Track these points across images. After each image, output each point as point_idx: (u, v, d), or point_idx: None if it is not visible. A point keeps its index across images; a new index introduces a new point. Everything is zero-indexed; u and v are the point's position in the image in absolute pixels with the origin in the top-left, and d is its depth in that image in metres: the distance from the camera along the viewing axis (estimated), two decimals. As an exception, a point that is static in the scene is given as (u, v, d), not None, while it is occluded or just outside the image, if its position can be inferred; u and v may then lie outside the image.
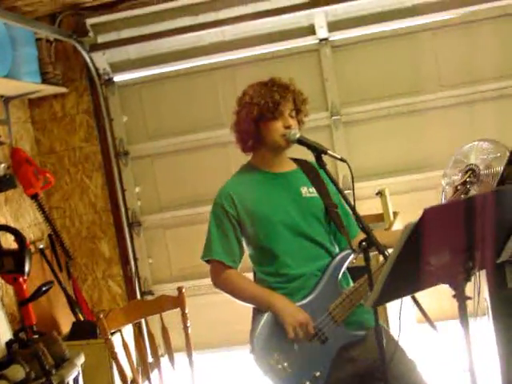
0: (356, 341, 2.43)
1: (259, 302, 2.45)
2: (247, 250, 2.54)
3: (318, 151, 2.34)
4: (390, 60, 4.28)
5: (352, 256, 2.50)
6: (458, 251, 1.82)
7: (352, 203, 2.29)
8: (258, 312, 2.46)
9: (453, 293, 1.88)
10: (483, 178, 3.28)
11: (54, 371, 2.72)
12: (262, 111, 2.42)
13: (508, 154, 3.28)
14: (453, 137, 4.03)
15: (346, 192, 4.28)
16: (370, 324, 2.47)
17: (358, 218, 2.25)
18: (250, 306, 2.53)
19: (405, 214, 3.85)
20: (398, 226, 3.70)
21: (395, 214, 3.85)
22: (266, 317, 2.41)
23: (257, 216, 2.45)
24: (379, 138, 4.30)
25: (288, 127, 2.43)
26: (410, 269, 1.74)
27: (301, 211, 2.48)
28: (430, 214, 1.62)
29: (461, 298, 1.83)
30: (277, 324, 2.38)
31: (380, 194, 3.69)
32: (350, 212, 2.64)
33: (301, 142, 2.40)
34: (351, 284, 2.52)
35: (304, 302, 2.42)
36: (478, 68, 4.19)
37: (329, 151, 2.33)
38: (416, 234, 1.67)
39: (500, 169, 3.28)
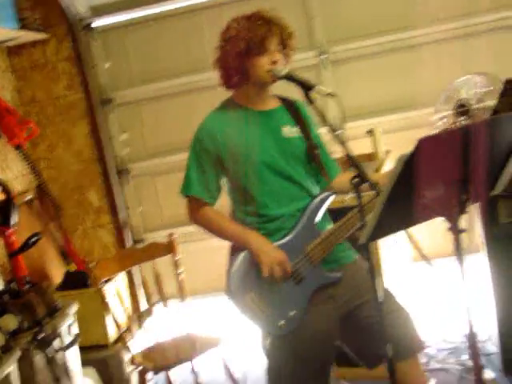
0: (332, 281, 2.42)
1: (236, 240, 2.42)
2: (227, 188, 2.50)
3: (306, 86, 2.27)
4: (376, -6, 4.15)
5: (332, 197, 2.48)
6: (452, 183, 1.77)
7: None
8: (234, 250, 2.44)
9: (447, 226, 1.85)
10: (475, 113, 3.23)
11: (46, 320, 2.69)
12: (248, 46, 2.33)
13: (501, 86, 3.21)
14: (446, 73, 3.93)
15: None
16: (347, 261, 2.49)
17: (348, 154, 2.19)
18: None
19: (397, 153, 3.78)
20: (390, 164, 3.65)
21: (387, 152, 3.80)
22: (242, 255, 2.38)
23: (238, 154, 2.39)
24: (369, 76, 4.20)
25: (274, 62, 2.36)
26: (404, 202, 1.70)
27: (282, 151, 2.44)
28: (424, 145, 1.57)
29: (455, 230, 1.79)
30: (253, 262, 2.36)
31: (371, 132, 3.63)
32: (330, 153, 2.63)
33: (288, 77, 2.33)
34: (331, 225, 2.49)
35: (282, 241, 2.40)
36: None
37: (317, 86, 2.26)
38: (410, 166, 1.62)
39: (492, 102, 3.22)
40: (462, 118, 3.25)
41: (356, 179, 2.13)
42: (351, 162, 2.18)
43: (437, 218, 1.84)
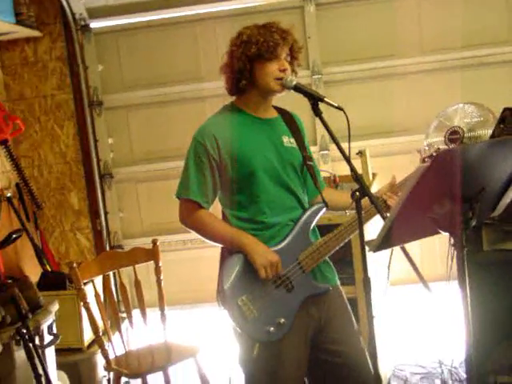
0: (319, 294, 2.46)
1: (230, 242, 2.42)
2: (222, 194, 2.50)
3: (315, 98, 2.30)
4: (373, 22, 4.22)
5: (324, 209, 2.52)
6: (460, 200, 1.80)
7: (347, 153, 2.27)
8: (227, 253, 2.45)
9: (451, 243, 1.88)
10: (466, 141, 3.30)
11: (30, 316, 2.63)
12: (260, 50, 2.35)
13: (491, 116, 3.30)
14: (431, 102, 4.02)
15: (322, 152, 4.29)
16: (332, 283, 2.53)
17: (351, 167, 2.23)
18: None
19: (380, 177, 3.85)
20: (376, 187, 3.69)
21: (374, 175, 3.84)
22: (236, 257, 2.39)
23: (239, 159, 2.40)
24: (359, 99, 4.25)
25: (283, 70, 2.38)
26: (413, 214, 1.72)
27: (281, 159, 2.47)
28: (442, 158, 1.60)
29: (459, 246, 1.82)
30: (247, 265, 2.37)
31: (361, 153, 3.67)
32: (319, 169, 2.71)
33: (297, 88, 2.36)
34: (319, 238, 2.53)
35: (276, 248, 2.42)
36: (460, 35, 4.18)
37: (325, 98, 2.29)
38: (425, 179, 1.64)
39: (483, 132, 3.30)
40: (452, 145, 3.31)
41: (358, 193, 2.17)
42: (355, 176, 2.21)
43: (442, 233, 1.87)
